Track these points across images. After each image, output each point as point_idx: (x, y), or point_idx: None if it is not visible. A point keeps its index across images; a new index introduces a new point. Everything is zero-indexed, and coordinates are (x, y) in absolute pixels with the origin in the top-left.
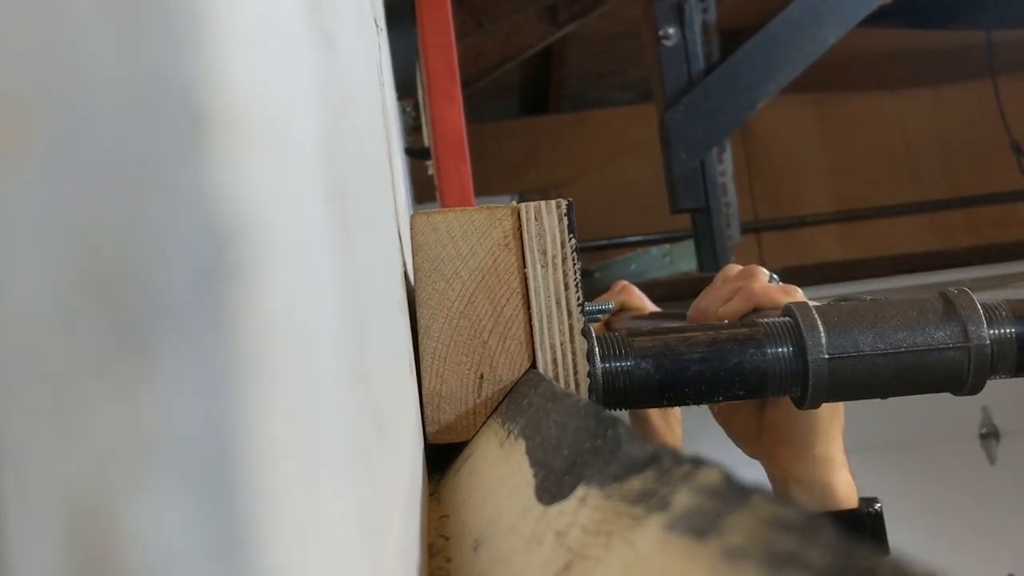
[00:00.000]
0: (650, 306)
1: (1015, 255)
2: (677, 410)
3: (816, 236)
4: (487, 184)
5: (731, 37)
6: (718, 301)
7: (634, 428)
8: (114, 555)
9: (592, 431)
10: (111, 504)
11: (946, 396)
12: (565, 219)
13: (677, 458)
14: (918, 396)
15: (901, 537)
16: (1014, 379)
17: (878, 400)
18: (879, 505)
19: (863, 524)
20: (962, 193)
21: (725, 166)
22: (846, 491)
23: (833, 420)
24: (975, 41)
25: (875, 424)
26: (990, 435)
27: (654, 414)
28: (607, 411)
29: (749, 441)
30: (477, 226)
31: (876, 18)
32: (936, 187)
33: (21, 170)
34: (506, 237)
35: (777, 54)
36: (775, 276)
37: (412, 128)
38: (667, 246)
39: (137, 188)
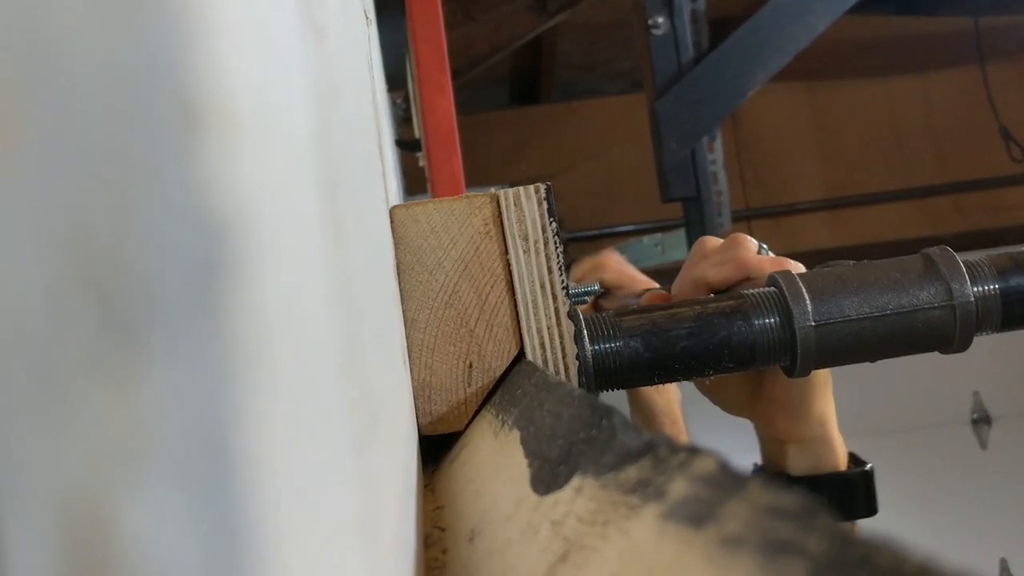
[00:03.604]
0: (630, 271)
1: (1004, 240)
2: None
3: (806, 223)
4: (478, 175)
5: (720, 26)
6: (710, 268)
7: (634, 418)
8: (110, 554)
9: (587, 420)
10: (106, 503)
11: (937, 381)
12: (545, 203)
13: (673, 447)
14: (910, 383)
15: (893, 523)
16: (1006, 365)
17: (870, 387)
18: (870, 466)
19: (856, 484)
20: (951, 179)
21: (716, 155)
22: (841, 448)
23: (827, 380)
24: (963, 27)
25: (867, 410)
26: (981, 420)
27: (656, 401)
28: (601, 400)
29: (740, 407)
30: (457, 216)
31: (864, 5)
32: (925, 173)
33: (9, 165)
34: (487, 225)
35: (766, 42)
36: (764, 246)
37: (403, 120)
38: (659, 235)
39: (128, 182)
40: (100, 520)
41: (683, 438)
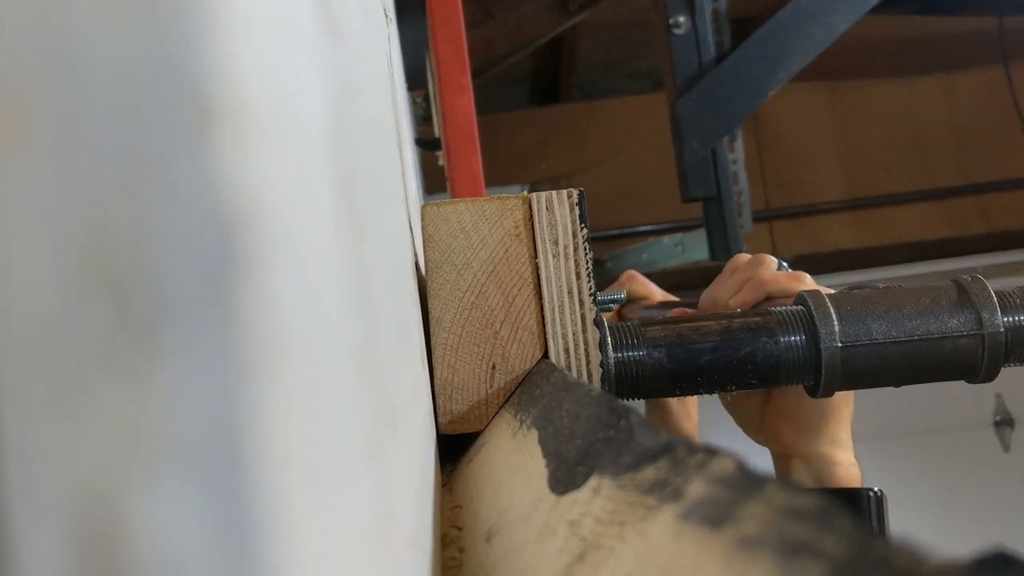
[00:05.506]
0: (657, 292)
1: None
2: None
3: (828, 224)
4: (498, 174)
5: (742, 25)
6: (729, 291)
7: (651, 413)
8: (123, 551)
9: (605, 421)
10: (119, 499)
11: (960, 384)
12: (576, 209)
13: (691, 447)
14: (932, 385)
15: (915, 525)
16: None
17: (891, 388)
18: (878, 489)
19: (863, 505)
20: (974, 180)
21: (736, 155)
22: (849, 471)
23: (844, 404)
24: (987, 27)
25: (889, 412)
26: (1004, 423)
27: (670, 399)
28: (620, 401)
29: (753, 423)
30: (488, 216)
31: (887, 5)
32: (948, 174)
33: (25, 162)
34: (517, 227)
35: (788, 42)
36: (784, 263)
37: (423, 119)
38: (679, 235)
39: (143, 178)
40: (113, 516)
41: (695, 436)
